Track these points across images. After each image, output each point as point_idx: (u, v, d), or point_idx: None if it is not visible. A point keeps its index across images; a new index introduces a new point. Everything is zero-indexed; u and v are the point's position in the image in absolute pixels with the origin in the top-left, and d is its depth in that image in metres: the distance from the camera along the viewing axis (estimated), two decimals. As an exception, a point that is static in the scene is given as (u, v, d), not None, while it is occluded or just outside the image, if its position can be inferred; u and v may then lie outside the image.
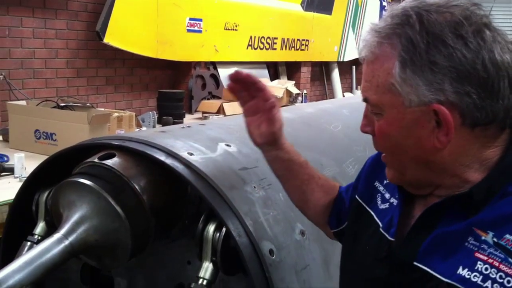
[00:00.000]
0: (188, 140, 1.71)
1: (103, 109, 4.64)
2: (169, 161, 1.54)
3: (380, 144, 1.05)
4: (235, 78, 1.37)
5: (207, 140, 1.76)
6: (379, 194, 1.20)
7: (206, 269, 1.46)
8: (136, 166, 1.54)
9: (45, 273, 1.34)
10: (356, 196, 1.27)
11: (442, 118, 0.92)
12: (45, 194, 1.71)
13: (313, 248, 1.68)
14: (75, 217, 1.44)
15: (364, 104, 1.07)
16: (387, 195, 1.17)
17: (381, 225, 1.12)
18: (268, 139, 1.40)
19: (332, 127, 2.41)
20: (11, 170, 3.24)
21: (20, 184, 2.95)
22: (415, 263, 0.98)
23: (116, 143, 1.60)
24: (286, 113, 2.59)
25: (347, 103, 3.23)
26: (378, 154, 1.27)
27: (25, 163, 3.25)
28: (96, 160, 1.53)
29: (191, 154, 1.60)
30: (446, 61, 0.90)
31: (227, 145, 1.77)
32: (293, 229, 1.65)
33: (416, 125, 0.95)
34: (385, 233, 1.09)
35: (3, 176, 3.20)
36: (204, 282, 1.44)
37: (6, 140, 4.13)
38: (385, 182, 1.20)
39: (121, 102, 6.25)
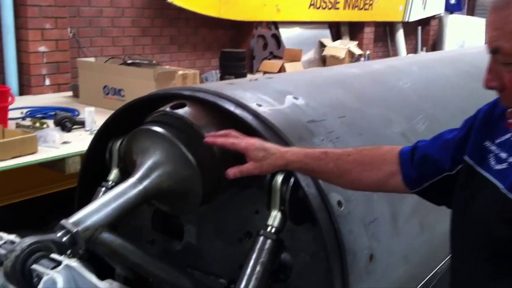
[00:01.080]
0: (257, 92, 1.71)
1: (168, 67, 4.71)
2: (238, 111, 1.55)
3: None
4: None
5: (275, 93, 1.76)
6: (492, 154, 1.13)
7: (275, 218, 1.48)
8: (207, 116, 1.56)
9: (120, 215, 1.40)
10: (465, 158, 1.20)
11: None
12: (118, 142, 1.76)
13: (381, 203, 1.66)
14: (148, 163, 1.48)
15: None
16: (503, 155, 1.10)
17: (501, 186, 1.06)
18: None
19: (401, 84, 2.35)
20: (82, 124, 3.37)
21: (91, 137, 3.08)
22: None
23: (187, 93, 1.62)
24: (353, 69, 2.55)
25: (416, 60, 3.13)
26: (486, 113, 1.20)
27: (95, 117, 3.36)
28: (168, 109, 1.56)
29: (260, 105, 1.61)
30: None
31: (295, 98, 1.76)
32: (362, 182, 1.63)
33: None
34: (509, 194, 1.04)
35: (75, 129, 3.33)
36: (273, 230, 1.46)
37: (76, 96, 4.28)
38: (497, 141, 1.14)
39: (184, 61, 6.33)
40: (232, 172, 1.41)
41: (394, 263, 1.71)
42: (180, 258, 1.83)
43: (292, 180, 1.48)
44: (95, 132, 3.13)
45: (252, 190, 1.69)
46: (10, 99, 3.22)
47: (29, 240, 1.17)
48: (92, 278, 1.12)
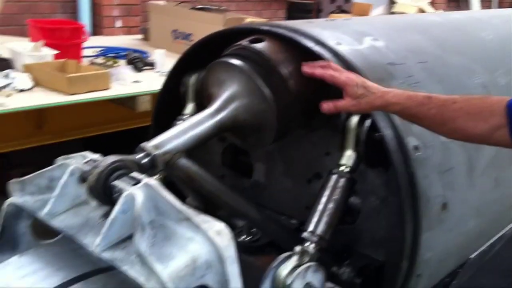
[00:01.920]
0: (335, 31, 1.67)
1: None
2: (317, 48, 1.53)
3: None
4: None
5: (354, 33, 1.71)
6: None
7: (349, 157, 1.47)
8: (284, 52, 1.54)
9: (197, 143, 1.42)
10: None
11: None
12: (194, 77, 1.77)
13: (458, 152, 1.61)
14: (225, 95, 1.49)
15: None
16: None
17: None
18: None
19: (483, 35, 2.24)
20: (152, 65, 3.42)
21: (161, 78, 3.13)
22: None
23: (265, 28, 1.60)
24: (433, 17, 2.45)
25: (499, 14, 2.97)
26: None
27: (165, 60, 3.40)
28: (246, 43, 1.55)
29: (339, 44, 1.57)
30: None
31: (374, 39, 1.71)
32: (439, 130, 1.59)
33: None
34: None
35: (145, 70, 3.39)
36: (347, 169, 1.45)
37: (145, 39, 4.34)
38: None
39: (251, 11, 6.27)
40: (327, 106, 1.37)
41: (466, 215, 1.67)
42: (248, 196, 1.85)
43: (368, 120, 1.46)
44: (165, 73, 3.19)
45: (324, 131, 1.67)
46: (84, 36, 3.30)
47: (111, 158, 1.20)
48: (170, 197, 1.14)
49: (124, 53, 3.59)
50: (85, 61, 3.33)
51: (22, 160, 3.72)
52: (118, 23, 4.65)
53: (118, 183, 1.16)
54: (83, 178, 1.21)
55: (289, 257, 1.30)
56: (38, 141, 3.07)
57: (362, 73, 1.47)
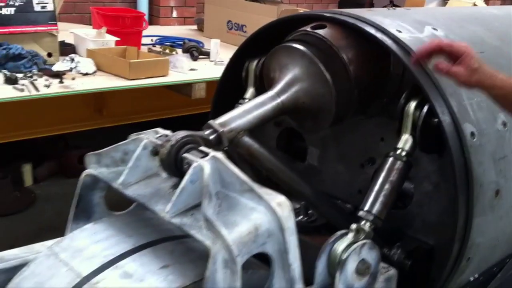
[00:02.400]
0: (396, 20, 1.71)
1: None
2: (378, 35, 1.57)
3: None
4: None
5: (414, 22, 1.74)
6: None
7: (406, 141, 1.51)
8: (346, 38, 1.59)
9: (259, 123, 1.49)
10: None
11: None
12: (255, 62, 1.84)
13: (513, 141, 1.62)
14: (287, 78, 1.55)
15: None
16: None
17: None
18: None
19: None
20: (206, 54, 3.51)
21: (215, 67, 3.22)
22: None
23: (328, 15, 1.66)
24: (492, 9, 2.44)
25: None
26: None
27: (219, 50, 3.49)
28: (308, 29, 1.61)
29: (400, 32, 1.61)
30: None
31: (434, 28, 1.74)
32: (496, 119, 1.61)
33: None
34: None
35: (200, 59, 3.48)
36: (403, 153, 1.49)
37: (200, 29, 4.44)
38: None
39: (302, 4, 6.30)
40: (441, 66, 1.37)
41: (519, 204, 1.68)
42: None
43: (426, 107, 1.49)
44: (219, 62, 3.29)
45: (380, 118, 1.71)
46: (144, 24, 3.42)
47: (182, 133, 1.28)
48: (235, 169, 1.21)
49: (180, 42, 3.70)
50: (143, 49, 3.45)
51: (79, 143, 3.89)
52: (174, 13, 4.78)
53: (188, 156, 1.24)
54: (155, 151, 1.29)
55: (345, 234, 1.36)
56: (97, 124, 3.21)
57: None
